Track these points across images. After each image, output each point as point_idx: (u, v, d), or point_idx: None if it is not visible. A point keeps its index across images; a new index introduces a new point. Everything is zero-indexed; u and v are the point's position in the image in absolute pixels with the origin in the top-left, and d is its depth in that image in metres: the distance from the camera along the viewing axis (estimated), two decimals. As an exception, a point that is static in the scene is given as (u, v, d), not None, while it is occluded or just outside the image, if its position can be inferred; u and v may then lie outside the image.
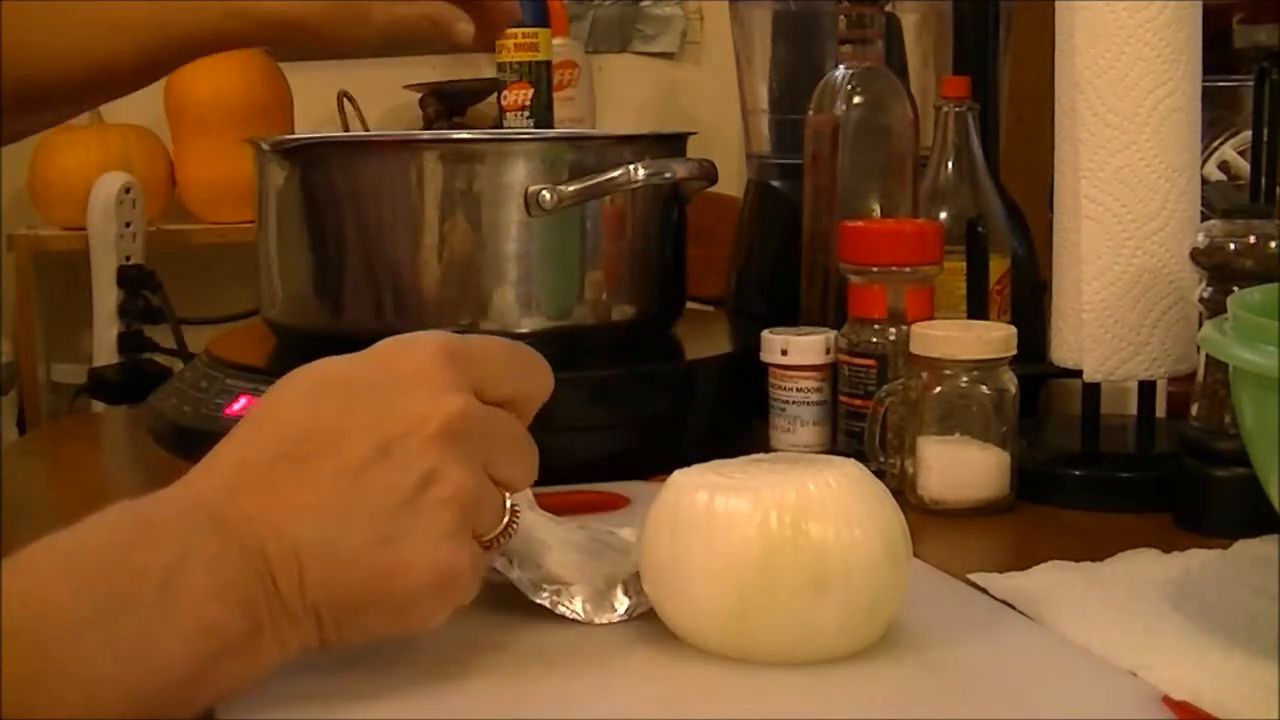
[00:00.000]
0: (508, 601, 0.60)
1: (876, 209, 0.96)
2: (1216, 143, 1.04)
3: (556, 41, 1.87)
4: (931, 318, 0.85)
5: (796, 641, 0.55)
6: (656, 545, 0.57)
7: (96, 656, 0.45)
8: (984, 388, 0.79)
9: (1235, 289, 0.68)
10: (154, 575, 0.47)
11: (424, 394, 0.53)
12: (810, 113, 0.98)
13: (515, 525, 0.56)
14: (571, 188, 0.89)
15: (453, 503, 0.52)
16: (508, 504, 0.56)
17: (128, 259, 1.86)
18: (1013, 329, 0.80)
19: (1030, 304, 0.96)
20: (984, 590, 0.65)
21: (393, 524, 0.51)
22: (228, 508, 0.50)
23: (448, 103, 2.11)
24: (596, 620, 0.60)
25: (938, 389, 0.79)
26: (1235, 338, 0.58)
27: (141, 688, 0.46)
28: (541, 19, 1.78)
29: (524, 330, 0.90)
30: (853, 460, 0.58)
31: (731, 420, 0.93)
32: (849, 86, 0.96)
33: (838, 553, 0.55)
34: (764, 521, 0.54)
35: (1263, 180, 0.81)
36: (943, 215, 0.94)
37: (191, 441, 0.83)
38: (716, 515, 0.55)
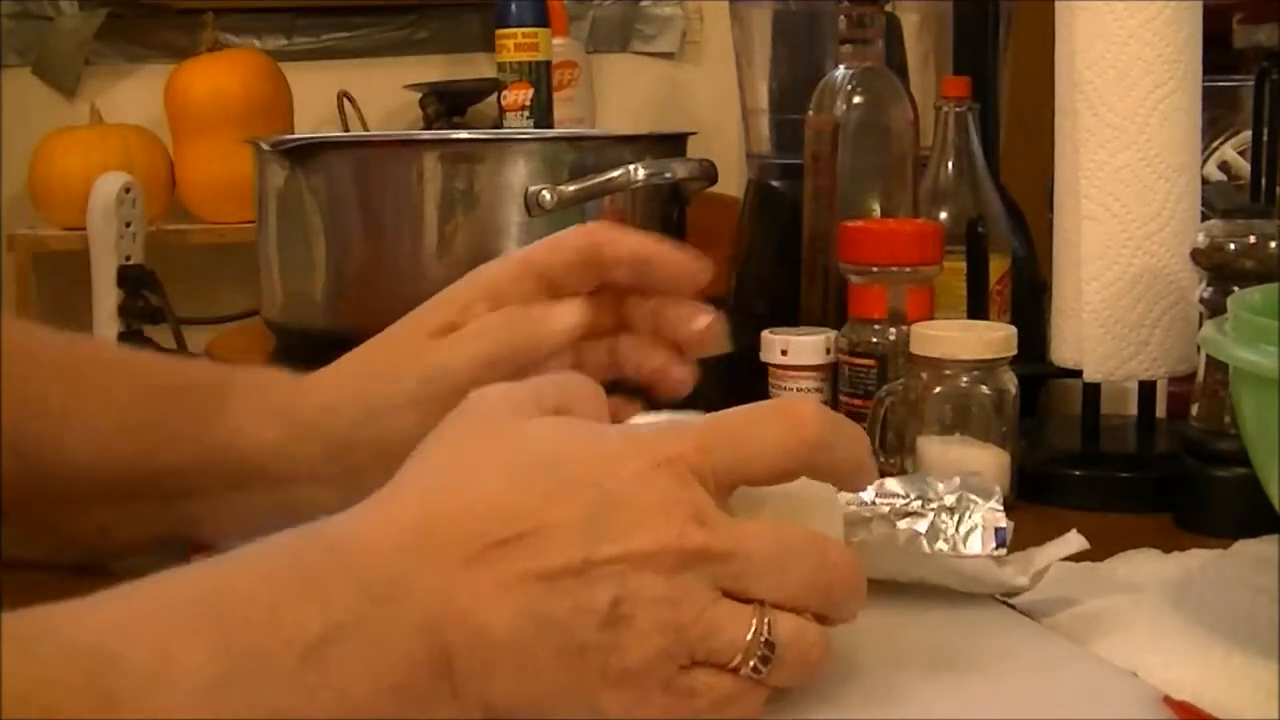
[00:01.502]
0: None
1: (876, 209, 0.96)
2: (1216, 143, 1.04)
3: (556, 41, 1.88)
4: (931, 318, 0.85)
5: None
6: None
7: None
8: (984, 388, 0.79)
9: (1235, 289, 0.68)
10: (303, 640, 0.42)
11: (642, 514, 0.46)
12: (810, 113, 0.97)
13: (771, 645, 0.47)
14: (571, 188, 0.89)
15: (645, 640, 0.45)
16: (763, 624, 0.47)
17: (128, 259, 1.86)
18: (1013, 329, 0.80)
19: (1030, 304, 0.96)
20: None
21: (580, 650, 0.45)
22: (409, 573, 0.45)
23: (448, 103, 2.11)
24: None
25: (938, 389, 0.79)
26: (1235, 338, 0.58)
27: None
28: (541, 19, 1.79)
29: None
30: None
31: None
32: (849, 86, 0.96)
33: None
34: None
35: (1263, 180, 0.81)
36: (943, 215, 0.94)
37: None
38: None
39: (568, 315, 0.63)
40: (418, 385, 0.62)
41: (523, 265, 0.65)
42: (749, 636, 0.46)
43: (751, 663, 0.47)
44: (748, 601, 0.47)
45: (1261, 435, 0.57)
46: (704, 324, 0.66)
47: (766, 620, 0.47)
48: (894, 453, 0.82)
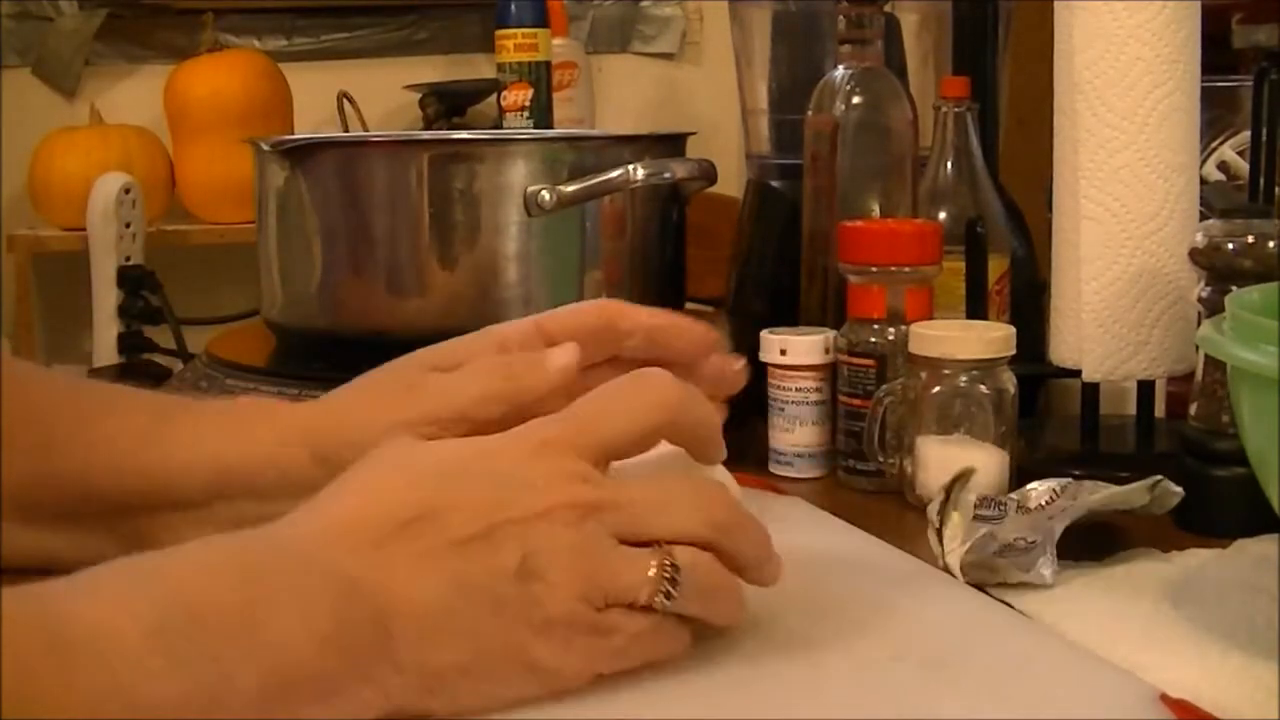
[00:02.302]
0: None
1: (876, 209, 0.96)
2: (1216, 143, 1.04)
3: (556, 41, 1.88)
4: (931, 318, 0.85)
5: None
6: None
7: (161, 677, 0.43)
8: (983, 388, 0.79)
9: (1234, 288, 0.69)
10: (239, 600, 0.46)
11: (533, 484, 0.52)
12: (810, 113, 0.98)
13: (673, 580, 0.52)
14: (571, 188, 0.89)
15: (558, 589, 0.51)
16: (663, 562, 0.52)
17: (127, 259, 1.86)
18: (1012, 329, 0.80)
19: (1030, 304, 0.96)
20: (983, 590, 0.65)
21: (500, 605, 0.50)
22: (338, 560, 0.49)
23: (448, 103, 2.11)
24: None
25: (937, 389, 0.79)
26: (1234, 337, 0.58)
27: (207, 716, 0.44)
28: (541, 19, 1.79)
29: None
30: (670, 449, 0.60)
31: (730, 420, 0.93)
32: (848, 86, 0.96)
33: None
34: None
35: (1262, 180, 0.81)
36: (942, 215, 0.94)
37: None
38: None
39: (565, 355, 0.64)
40: (417, 413, 0.63)
41: (535, 327, 0.66)
42: (651, 572, 0.52)
43: (659, 597, 0.52)
44: (646, 545, 0.52)
45: (1260, 435, 0.57)
46: (739, 367, 0.70)
47: (665, 556, 0.52)
48: (893, 453, 0.82)
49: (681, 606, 0.53)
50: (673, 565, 0.52)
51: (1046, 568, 0.65)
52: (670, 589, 0.52)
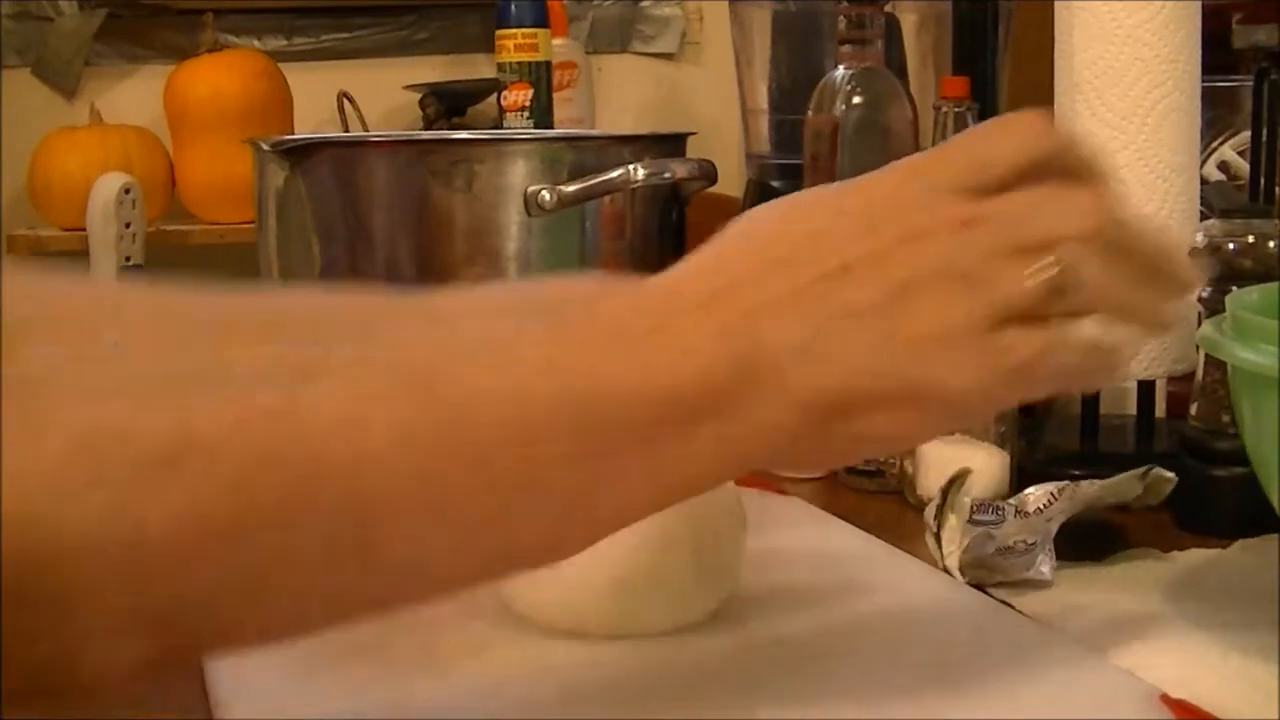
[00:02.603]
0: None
1: (876, 209, 0.96)
2: (1216, 143, 1.04)
3: (556, 41, 1.88)
4: (931, 318, 0.85)
5: (674, 609, 0.59)
6: None
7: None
8: (983, 388, 0.79)
9: (1234, 288, 0.68)
10: (611, 320, 0.45)
11: (905, 208, 0.48)
12: (810, 113, 0.98)
13: (1061, 284, 0.48)
14: (571, 188, 0.89)
15: (945, 303, 0.47)
16: (1047, 263, 0.48)
17: (127, 259, 1.86)
18: (1012, 329, 0.80)
19: (1030, 304, 0.96)
20: (983, 590, 0.65)
21: (880, 329, 0.47)
22: (708, 295, 0.46)
23: (448, 103, 2.11)
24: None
25: (937, 389, 0.79)
26: (1234, 337, 0.58)
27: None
28: (541, 19, 1.79)
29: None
30: None
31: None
32: (848, 86, 0.96)
33: (707, 520, 0.59)
34: None
35: (1262, 180, 0.81)
36: (942, 215, 0.94)
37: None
38: None
39: None
40: None
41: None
42: (1030, 280, 0.47)
43: (1052, 296, 0.48)
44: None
45: (1260, 435, 0.57)
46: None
47: (1050, 257, 0.48)
48: (893, 453, 0.82)
49: (1079, 304, 0.49)
50: (1058, 266, 0.48)
51: (1045, 565, 0.65)
52: (1062, 288, 0.48)
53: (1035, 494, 0.67)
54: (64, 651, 0.37)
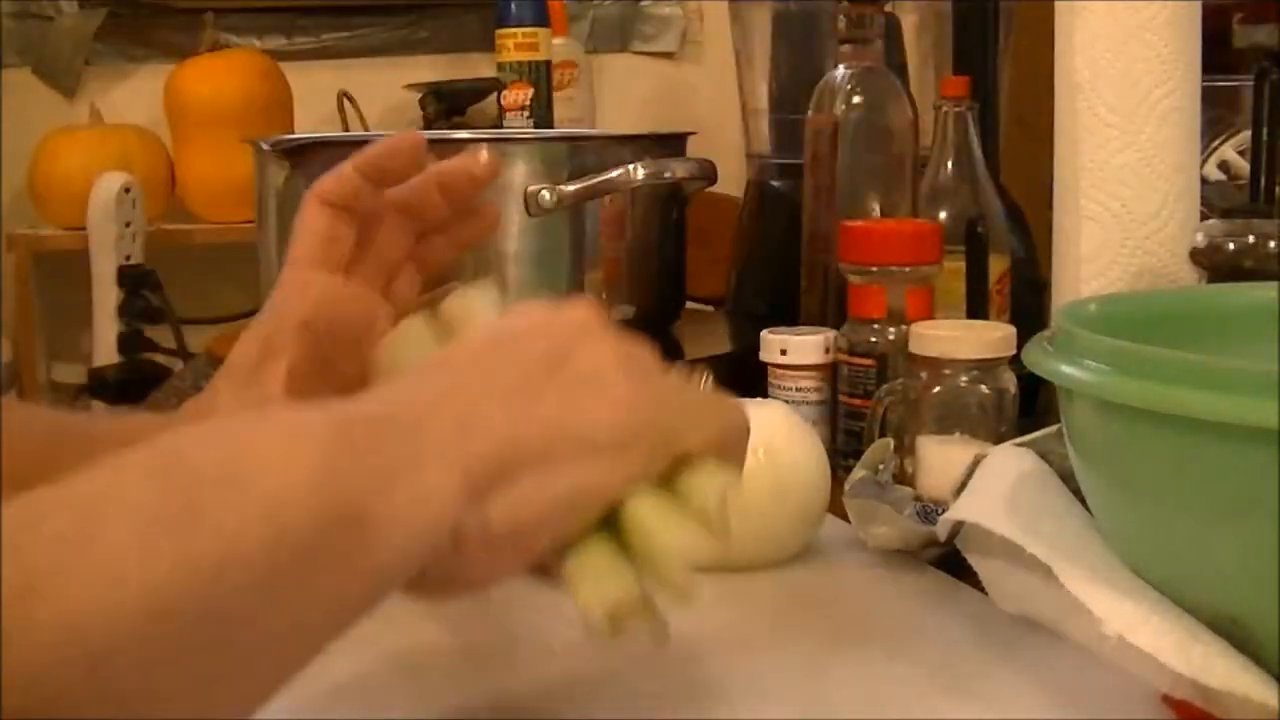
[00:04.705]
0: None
1: (876, 209, 0.96)
2: (1216, 143, 1.04)
3: (556, 41, 1.88)
4: (931, 317, 0.85)
5: (762, 546, 0.68)
6: None
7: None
8: (983, 387, 0.79)
9: (1234, 289, 0.68)
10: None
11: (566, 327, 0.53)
12: (810, 113, 0.98)
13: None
14: (571, 188, 0.89)
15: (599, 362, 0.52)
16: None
17: (128, 259, 1.86)
18: (1012, 329, 0.80)
19: (1030, 304, 0.96)
20: (982, 590, 0.65)
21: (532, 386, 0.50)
22: (387, 406, 0.48)
23: (448, 103, 2.11)
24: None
25: (937, 389, 0.79)
26: (1057, 352, 0.56)
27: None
28: (541, 18, 1.79)
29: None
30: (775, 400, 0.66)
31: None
32: (849, 86, 0.96)
33: (791, 468, 0.69)
34: None
35: (1262, 180, 0.81)
36: (942, 215, 0.94)
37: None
38: None
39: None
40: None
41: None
42: None
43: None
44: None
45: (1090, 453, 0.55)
46: (483, 157, 0.71)
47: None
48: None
49: None
50: None
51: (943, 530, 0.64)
52: None
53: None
54: None
